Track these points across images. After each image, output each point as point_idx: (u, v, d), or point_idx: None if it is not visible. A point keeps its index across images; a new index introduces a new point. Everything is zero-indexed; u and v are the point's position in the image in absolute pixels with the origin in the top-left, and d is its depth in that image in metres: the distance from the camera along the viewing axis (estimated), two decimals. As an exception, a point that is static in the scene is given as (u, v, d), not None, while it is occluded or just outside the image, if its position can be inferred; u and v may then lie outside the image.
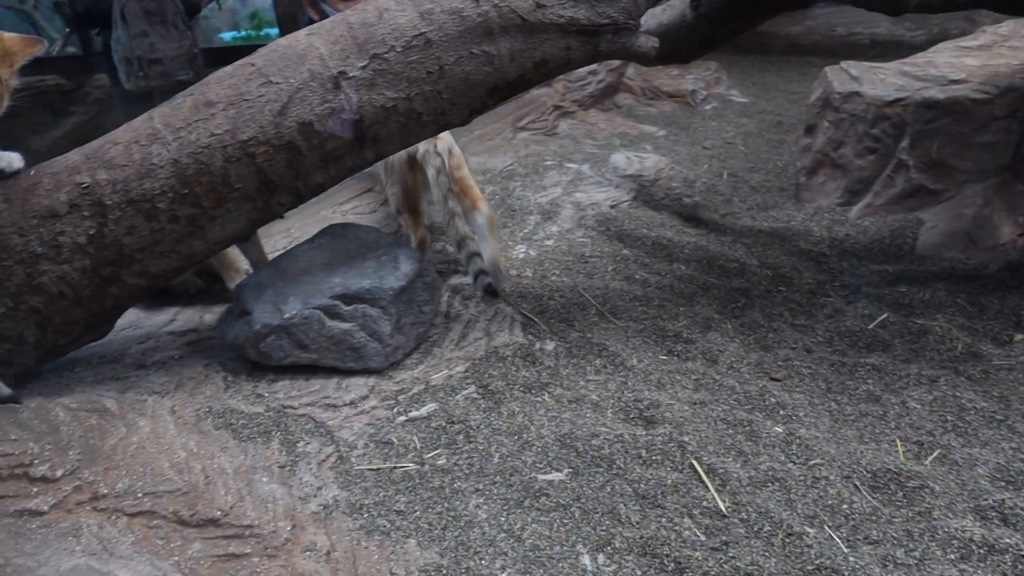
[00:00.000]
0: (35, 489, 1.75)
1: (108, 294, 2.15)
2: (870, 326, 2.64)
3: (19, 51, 2.02)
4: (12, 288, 2.05)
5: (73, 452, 1.84)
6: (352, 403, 2.23)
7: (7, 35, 2.02)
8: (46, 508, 1.72)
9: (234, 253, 2.74)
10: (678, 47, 3.07)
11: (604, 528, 1.79)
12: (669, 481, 1.93)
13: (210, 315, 2.71)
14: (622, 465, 2.00)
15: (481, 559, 1.71)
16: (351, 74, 2.14)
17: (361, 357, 2.29)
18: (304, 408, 2.20)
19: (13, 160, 2.10)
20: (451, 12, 2.17)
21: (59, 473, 1.78)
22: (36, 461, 1.79)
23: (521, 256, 3.15)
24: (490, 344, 2.52)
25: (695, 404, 2.27)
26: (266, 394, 2.25)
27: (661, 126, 5.15)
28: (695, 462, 1.99)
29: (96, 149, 2.12)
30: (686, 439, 2.08)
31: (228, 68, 2.19)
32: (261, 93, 2.12)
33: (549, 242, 3.29)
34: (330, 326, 2.26)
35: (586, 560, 1.71)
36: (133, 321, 2.70)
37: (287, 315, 2.24)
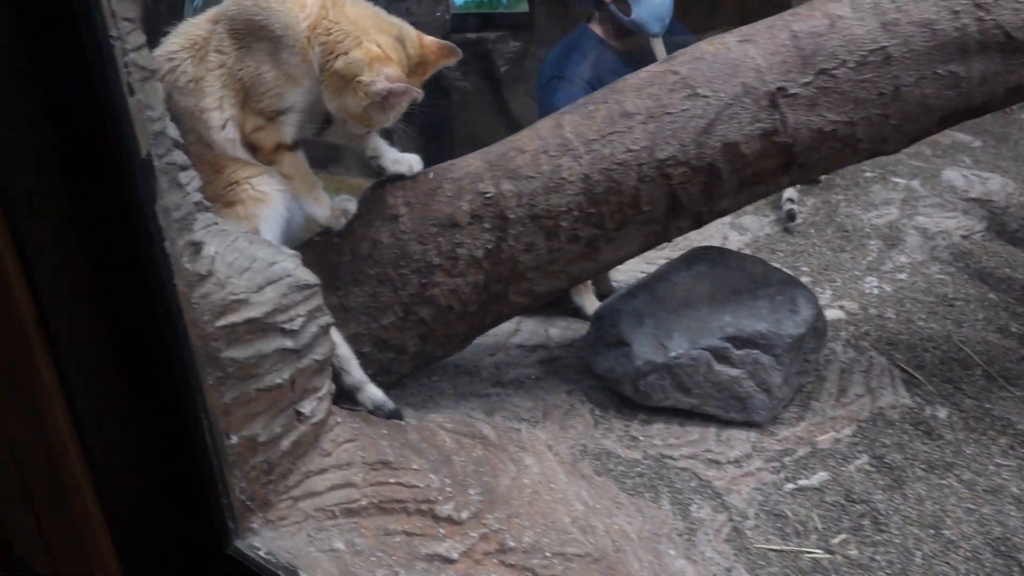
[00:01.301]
0: (442, 531, 1.62)
1: (490, 310, 2.00)
2: None
3: (433, 61, 1.85)
4: (405, 297, 1.93)
5: (473, 491, 1.70)
6: (736, 461, 1.98)
7: (428, 40, 1.84)
8: (455, 556, 1.58)
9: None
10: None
11: None
12: None
13: (554, 329, 2.53)
14: (1084, 594, 1.64)
15: None
16: (791, 91, 1.84)
17: (745, 408, 2.03)
18: (684, 460, 1.98)
19: (413, 163, 1.97)
20: (921, 24, 1.82)
21: (464, 515, 1.65)
22: (440, 498, 1.66)
23: (875, 292, 2.77)
24: (874, 404, 2.19)
25: None
26: (641, 438, 2.04)
27: (973, 135, 4.50)
28: None
29: (499, 156, 1.95)
30: None
31: (644, 74, 1.95)
32: (685, 107, 1.87)
33: (902, 276, 2.88)
34: (717, 370, 2.01)
35: None
36: (478, 327, 2.57)
37: (672, 353, 2.01)
